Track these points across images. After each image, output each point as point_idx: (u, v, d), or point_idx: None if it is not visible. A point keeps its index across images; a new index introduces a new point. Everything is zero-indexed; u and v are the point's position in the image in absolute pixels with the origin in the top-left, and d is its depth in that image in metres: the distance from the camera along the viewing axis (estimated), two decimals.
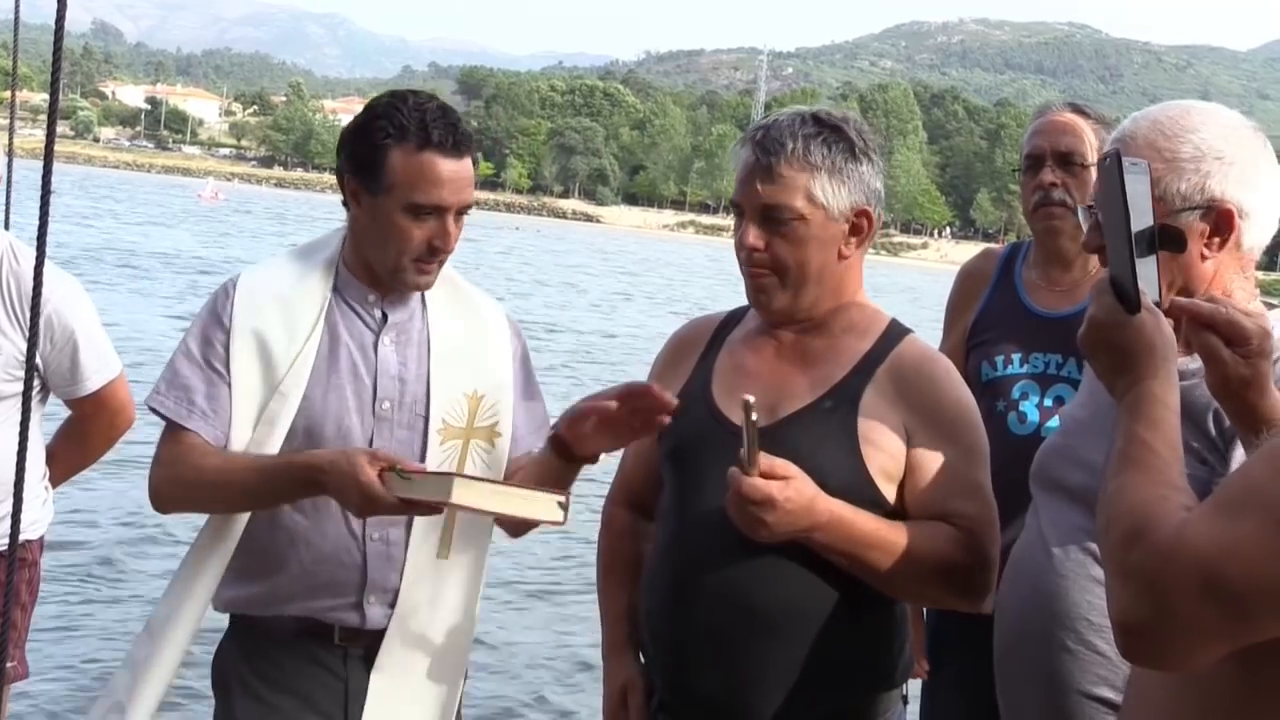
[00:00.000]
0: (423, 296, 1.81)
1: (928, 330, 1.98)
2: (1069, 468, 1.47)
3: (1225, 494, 0.95)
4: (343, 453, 1.58)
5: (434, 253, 1.70)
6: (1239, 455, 1.30)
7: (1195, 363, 1.27)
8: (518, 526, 1.76)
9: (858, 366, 1.59)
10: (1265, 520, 0.87)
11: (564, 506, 1.60)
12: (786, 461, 1.43)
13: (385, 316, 1.78)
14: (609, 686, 1.71)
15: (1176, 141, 1.34)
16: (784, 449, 1.47)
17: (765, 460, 1.40)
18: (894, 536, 1.50)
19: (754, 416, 1.35)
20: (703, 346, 1.73)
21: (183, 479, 1.69)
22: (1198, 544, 0.90)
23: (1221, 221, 1.33)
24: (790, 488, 1.41)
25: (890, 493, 1.55)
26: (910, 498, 1.56)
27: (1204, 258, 1.35)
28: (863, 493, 1.52)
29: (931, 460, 1.56)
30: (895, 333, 1.64)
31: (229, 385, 1.72)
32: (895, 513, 1.55)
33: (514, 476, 1.78)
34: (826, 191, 1.55)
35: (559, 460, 1.68)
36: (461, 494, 1.53)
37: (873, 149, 1.61)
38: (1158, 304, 1.12)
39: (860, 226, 1.59)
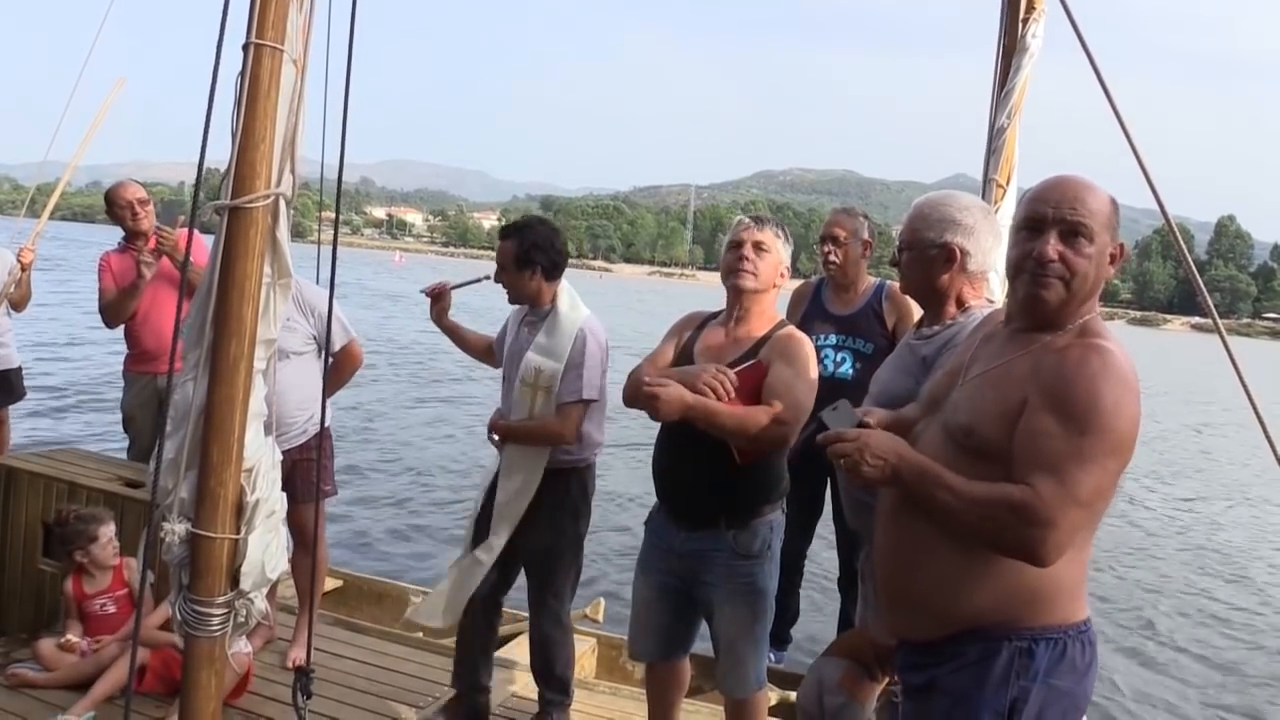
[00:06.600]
0: (546, 310, 3.05)
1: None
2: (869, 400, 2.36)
3: (1046, 461, 1.58)
4: None
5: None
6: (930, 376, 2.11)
7: (934, 330, 2.17)
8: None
9: (758, 341, 2.74)
10: (1071, 470, 1.56)
11: None
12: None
13: (529, 319, 3.13)
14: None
15: (930, 211, 2.21)
16: None
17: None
18: (747, 414, 2.51)
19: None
20: (694, 327, 2.90)
21: None
22: (1059, 492, 1.55)
23: (950, 254, 2.17)
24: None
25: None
26: (765, 394, 2.59)
27: (943, 275, 2.18)
28: None
29: (775, 379, 2.62)
30: (780, 324, 2.79)
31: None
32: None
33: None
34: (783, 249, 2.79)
35: None
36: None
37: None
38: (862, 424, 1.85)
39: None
